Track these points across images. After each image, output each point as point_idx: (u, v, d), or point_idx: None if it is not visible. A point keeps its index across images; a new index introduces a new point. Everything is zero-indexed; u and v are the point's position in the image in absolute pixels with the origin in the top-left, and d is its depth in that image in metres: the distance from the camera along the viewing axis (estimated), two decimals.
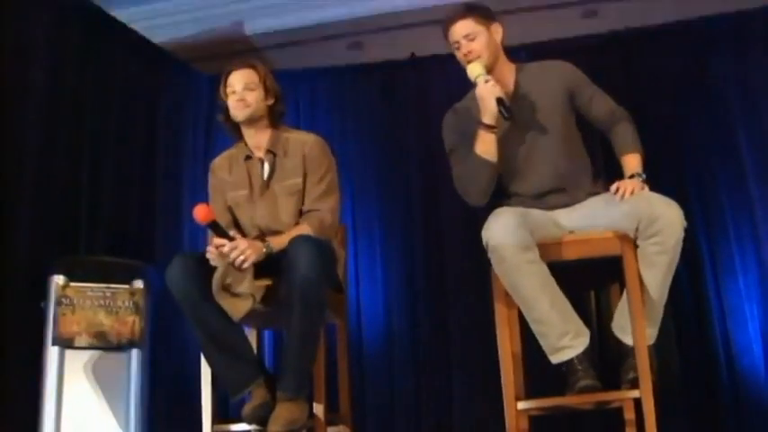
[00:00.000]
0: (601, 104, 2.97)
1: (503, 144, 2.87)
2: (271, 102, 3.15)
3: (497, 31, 2.96)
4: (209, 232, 2.83)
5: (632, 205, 2.67)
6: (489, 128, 2.80)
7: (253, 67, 3.14)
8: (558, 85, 2.96)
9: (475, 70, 2.85)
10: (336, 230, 3.12)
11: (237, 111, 3.08)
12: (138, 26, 4.48)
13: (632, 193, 2.69)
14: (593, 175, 3.04)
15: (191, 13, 5.02)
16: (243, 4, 5.02)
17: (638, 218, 2.63)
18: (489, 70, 2.87)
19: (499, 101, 2.77)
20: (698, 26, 4.35)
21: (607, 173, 3.19)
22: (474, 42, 2.90)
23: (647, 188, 2.76)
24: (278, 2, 5.01)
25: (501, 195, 2.95)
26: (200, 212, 2.74)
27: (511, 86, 2.97)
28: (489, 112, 2.79)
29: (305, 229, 2.92)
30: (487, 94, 2.79)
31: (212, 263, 2.78)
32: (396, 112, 4.71)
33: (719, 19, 4.30)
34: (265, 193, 3.08)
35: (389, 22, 4.89)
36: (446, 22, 2.96)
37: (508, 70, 3.00)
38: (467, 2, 3.00)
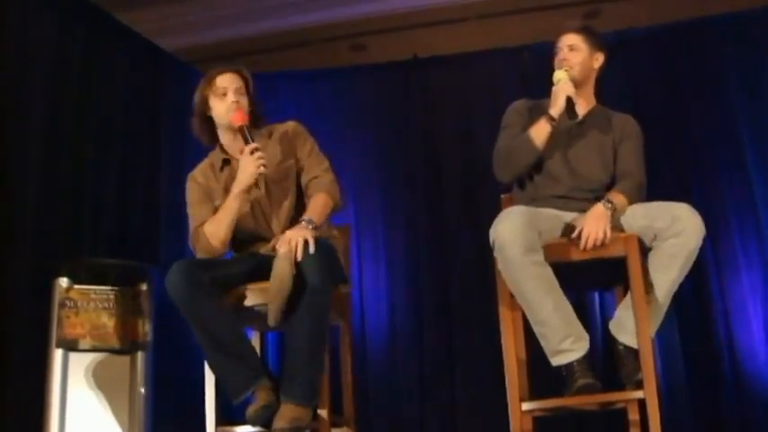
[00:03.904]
0: (628, 159, 3.06)
1: (553, 141, 2.98)
2: (252, 107, 3.08)
3: (598, 58, 3.12)
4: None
5: (651, 217, 2.76)
6: (551, 119, 2.95)
7: (239, 72, 3.08)
8: (619, 133, 3.11)
9: (558, 75, 3.02)
10: (338, 187, 3.08)
11: (236, 114, 2.97)
12: (140, 29, 4.48)
13: (596, 237, 2.73)
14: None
15: (194, 16, 5.03)
16: (245, 5, 5.02)
17: (658, 222, 2.72)
18: (574, 85, 3.00)
19: (569, 99, 2.94)
20: (700, 26, 4.37)
21: None
22: (572, 54, 3.07)
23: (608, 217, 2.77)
24: (280, 3, 5.02)
25: (528, 180, 3.06)
26: (239, 115, 2.96)
27: (585, 111, 3.11)
28: (558, 106, 2.95)
29: (322, 198, 2.95)
30: (561, 91, 2.97)
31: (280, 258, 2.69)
32: (398, 114, 4.71)
33: (721, 19, 4.32)
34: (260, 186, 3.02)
35: (392, 24, 4.90)
36: (560, 29, 3.15)
37: (590, 96, 3.16)
38: (587, 24, 3.20)
